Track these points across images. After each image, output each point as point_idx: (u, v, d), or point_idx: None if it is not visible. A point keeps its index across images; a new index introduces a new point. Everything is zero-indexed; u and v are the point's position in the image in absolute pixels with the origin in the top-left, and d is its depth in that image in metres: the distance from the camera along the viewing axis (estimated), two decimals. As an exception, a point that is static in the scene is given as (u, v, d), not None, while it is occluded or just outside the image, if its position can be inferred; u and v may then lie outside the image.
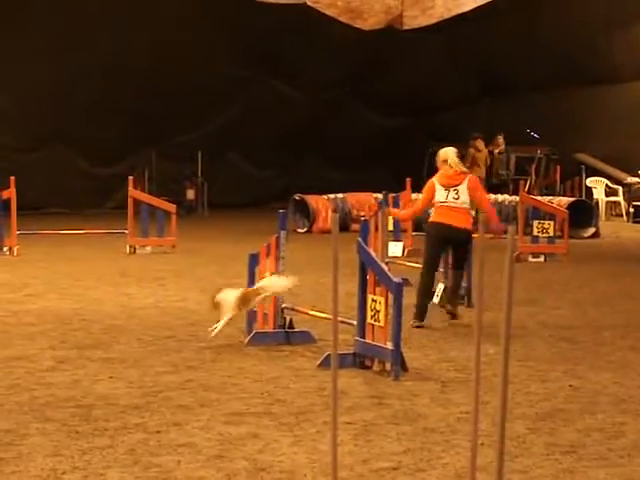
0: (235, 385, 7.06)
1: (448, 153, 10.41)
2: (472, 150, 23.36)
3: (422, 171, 27.12)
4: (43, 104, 23.39)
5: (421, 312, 9.76)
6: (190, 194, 24.94)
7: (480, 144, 23.15)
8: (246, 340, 8.53)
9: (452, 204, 10.10)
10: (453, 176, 10.20)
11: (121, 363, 7.76)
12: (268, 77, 26.44)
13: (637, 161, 24.60)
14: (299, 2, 22.75)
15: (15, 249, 15.36)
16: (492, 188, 23.39)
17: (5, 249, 15.36)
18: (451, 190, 10.15)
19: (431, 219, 10.30)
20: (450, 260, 10.59)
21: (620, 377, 7.46)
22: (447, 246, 10.39)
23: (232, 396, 6.75)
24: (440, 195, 10.15)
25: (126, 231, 16.00)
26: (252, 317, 8.77)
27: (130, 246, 15.79)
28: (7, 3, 22.22)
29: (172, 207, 16.41)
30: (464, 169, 10.49)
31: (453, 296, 10.29)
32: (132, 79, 23.76)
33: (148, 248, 15.89)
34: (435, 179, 10.32)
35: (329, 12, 23.13)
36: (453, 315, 10.09)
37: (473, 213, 10.78)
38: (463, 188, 10.14)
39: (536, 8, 26.60)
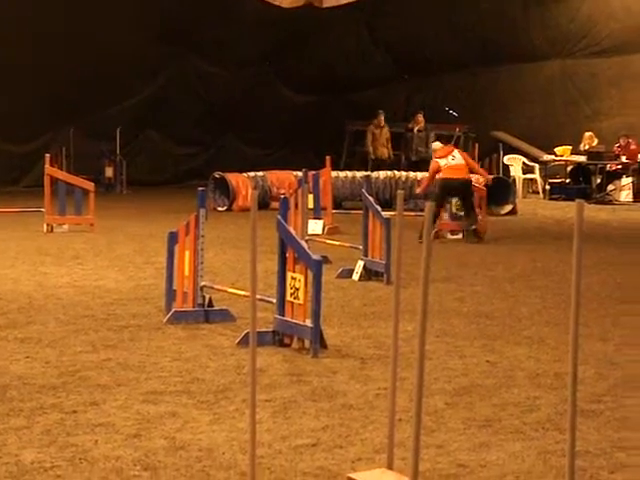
0: (154, 364, 7.02)
1: (436, 143, 15.99)
2: (371, 127, 23.68)
3: (341, 148, 27.26)
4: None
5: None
6: (109, 172, 24.62)
7: (381, 120, 23.50)
8: (165, 319, 8.48)
9: (452, 163, 14.76)
10: (445, 148, 15.32)
11: (38, 343, 7.65)
12: (187, 54, 26.23)
13: (553, 139, 24.95)
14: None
15: None
16: (412, 165, 23.61)
17: None
18: (448, 157, 14.87)
19: (440, 177, 14.73)
20: (455, 209, 15.04)
21: (535, 352, 7.58)
22: (451, 194, 14.99)
23: (150, 375, 6.71)
24: (442, 162, 14.80)
25: (43, 209, 15.76)
26: (171, 296, 8.71)
27: (47, 225, 15.56)
28: None
29: (90, 185, 16.20)
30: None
31: (471, 232, 14.80)
32: (49, 55, 23.35)
33: (65, 226, 15.67)
34: (436, 158, 15.01)
35: (248, -11, 22.98)
36: (479, 238, 14.74)
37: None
38: (456, 153, 15.12)
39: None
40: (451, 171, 14.69)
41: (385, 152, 23.87)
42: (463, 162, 14.91)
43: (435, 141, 16.55)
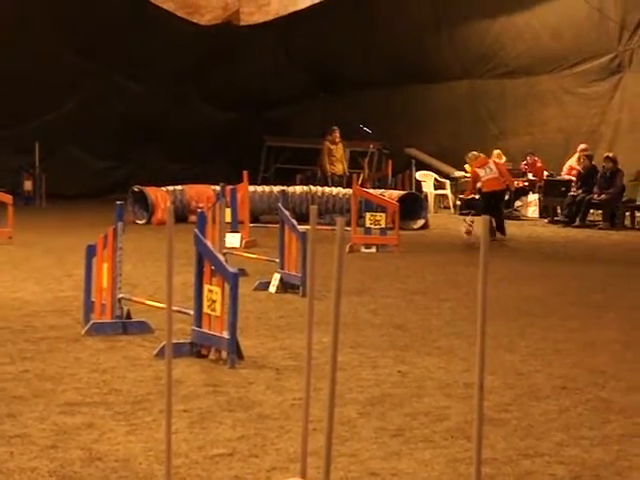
0: (71, 375, 6.91)
1: (472, 153, 18.40)
2: (327, 143, 23.38)
3: (259, 164, 27.26)
4: None
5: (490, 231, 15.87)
6: (27, 185, 24.24)
7: (336, 136, 23.19)
8: (83, 331, 8.36)
9: (490, 175, 17.43)
10: (481, 159, 17.91)
11: (-46, 355, 7.48)
12: (107, 69, 26.00)
13: (463, 156, 25.24)
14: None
15: None
16: (327, 180, 23.65)
17: None
18: (486, 168, 17.54)
19: (484, 189, 17.51)
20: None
21: (445, 362, 7.64)
22: (492, 203, 17.32)
23: (68, 386, 6.61)
24: (482, 173, 17.49)
25: (-39, 222, 15.46)
26: (89, 308, 8.60)
27: (-35, 237, 15.25)
28: None
29: (8, 198, 15.94)
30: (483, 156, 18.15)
31: (493, 229, 16.83)
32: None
33: (-16, 239, 15.38)
34: (475, 168, 17.76)
35: (166, 6, 22.90)
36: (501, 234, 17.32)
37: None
38: (492, 164, 17.86)
39: (370, 7, 27.02)
40: (492, 183, 17.38)
41: (341, 168, 23.52)
42: (498, 173, 17.49)
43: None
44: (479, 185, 17.75)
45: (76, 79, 25.32)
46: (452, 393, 6.69)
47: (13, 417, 5.84)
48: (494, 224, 17.14)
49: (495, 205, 17.44)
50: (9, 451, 5.21)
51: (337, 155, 23.42)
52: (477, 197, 18.93)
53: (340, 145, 23.48)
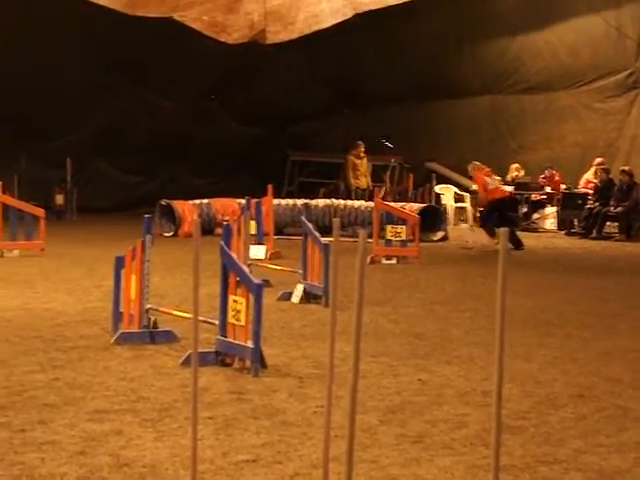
0: (100, 383, 6.94)
1: (476, 163, 18.86)
2: (352, 157, 23.34)
3: (283, 178, 27.32)
4: None
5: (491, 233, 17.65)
6: (59, 199, 24.39)
7: (361, 151, 23.18)
8: (112, 340, 8.40)
9: (495, 184, 18.60)
10: (485, 170, 18.55)
11: (-13, 363, 7.53)
12: (136, 86, 26.14)
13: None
14: (166, 15, 22.55)
15: None
16: (350, 194, 23.67)
17: None
18: (492, 177, 18.62)
19: (492, 197, 18.19)
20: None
21: (465, 371, 7.62)
22: (499, 210, 18.09)
23: (97, 394, 6.63)
24: (489, 182, 18.34)
25: (-5, 235, 15.55)
26: (118, 318, 8.63)
27: (-2, 249, 15.35)
28: None
29: (41, 211, 16.05)
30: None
31: (513, 237, 17.53)
32: (2, 83, 23.14)
33: (16, 252, 15.48)
34: (484, 176, 18.31)
35: (195, 26, 23.01)
36: (519, 246, 17.64)
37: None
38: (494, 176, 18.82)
39: (392, 25, 27.05)
40: (498, 192, 18.45)
41: (365, 181, 23.51)
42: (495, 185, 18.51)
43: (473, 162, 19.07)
44: (484, 194, 18.37)
45: (106, 96, 25.48)
46: (471, 401, 6.67)
47: (44, 424, 5.86)
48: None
49: (502, 214, 18.04)
50: (40, 457, 5.23)
51: (361, 169, 23.45)
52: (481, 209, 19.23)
53: (365, 159, 23.50)
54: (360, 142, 23.35)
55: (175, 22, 22.99)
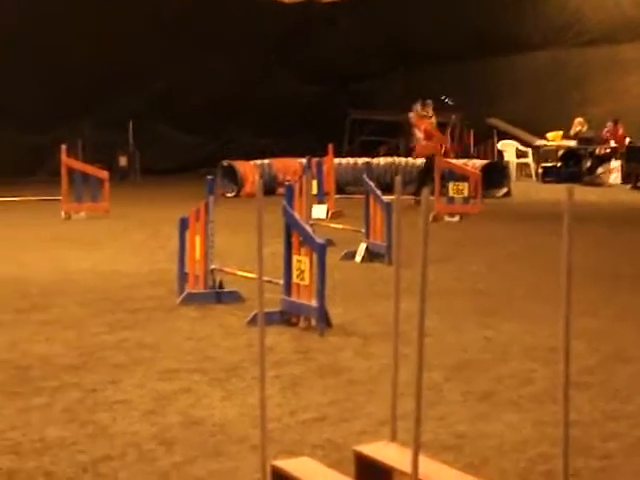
0: (168, 344, 7.03)
1: (418, 110, 17.88)
2: (418, 116, 22.69)
3: (343, 136, 27.24)
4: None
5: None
6: (122, 161, 24.63)
7: (427, 110, 22.52)
8: (178, 301, 8.49)
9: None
10: (430, 122, 17.86)
11: (58, 325, 7.67)
12: (196, 48, 26.18)
13: (545, 125, 24.89)
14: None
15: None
16: (410, 151, 23.48)
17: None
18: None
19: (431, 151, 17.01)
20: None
21: (531, 327, 7.58)
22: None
23: (165, 354, 6.72)
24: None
25: (60, 198, 15.76)
26: (183, 278, 8.72)
27: (65, 212, 15.57)
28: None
29: (105, 174, 16.21)
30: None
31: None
32: (64, 49, 23.33)
33: (82, 214, 15.69)
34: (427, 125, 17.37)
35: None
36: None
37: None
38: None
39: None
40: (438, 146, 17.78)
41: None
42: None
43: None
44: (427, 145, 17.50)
45: (166, 59, 25.55)
46: (537, 357, 6.64)
47: (114, 384, 5.96)
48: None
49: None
50: (112, 416, 5.33)
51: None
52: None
53: (433, 118, 23.07)
54: (429, 101, 22.66)
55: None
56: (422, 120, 17.55)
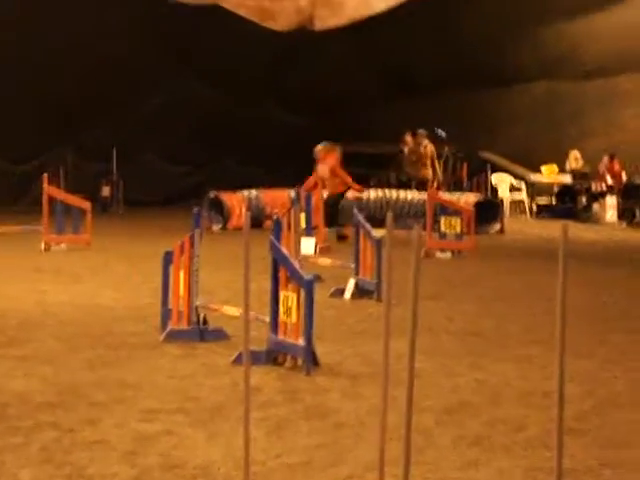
0: (150, 382, 7.00)
1: (327, 145, 17.85)
2: (412, 147, 22.45)
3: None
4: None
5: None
6: (105, 191, 24.65)
7: (422, 141, 22.30)
8: (161, 337, 8.47)
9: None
10: (338, 157, 17.65)
11: (35, 360, 7.64)
12: (183, 74, 26.29)
13: (539, 157, 25.04)
14: (211, 2, 22.63)
15: None
16: (401, 185, 23.56)
17: None
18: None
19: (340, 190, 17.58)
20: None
21: (523, 370, 7.58)
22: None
23: (146, 393, 6.70)
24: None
25: (41, 228, 15.74)
26: (167, 314, 8.70)
27: (45, 243, 15.55)
28: None
29: (87, 204, 16.21)
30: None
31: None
32: (47, 76, 23.40)
33: (63, 245, 15.67)
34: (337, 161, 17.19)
35: (240, 12, 23.07)
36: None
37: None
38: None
39: (445, 10, 26.92)
40: (342, 185, 18.17)
41: (427, 172, 22.72)
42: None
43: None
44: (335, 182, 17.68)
45: (152, 84, 25.65)
46: (531, 401, 6.64)
47: (93, 423, 5.93)
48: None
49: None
50: (90, 457, 5.30)
51: (424, 159, 23.00)
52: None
53: (428, 149, 23.05)
54: (421, 130, 22.50)
55: (220, 8, 23.08)
56: (331, 156, 17.56)
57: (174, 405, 6.39)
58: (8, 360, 7.64)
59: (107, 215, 22.55)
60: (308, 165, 25.27)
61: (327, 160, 17.70)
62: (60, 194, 16.44)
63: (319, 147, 17.87)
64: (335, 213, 17.41)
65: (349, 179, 17.80)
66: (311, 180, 17.54)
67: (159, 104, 26.16)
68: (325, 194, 17.64)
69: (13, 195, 23.99)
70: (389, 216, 4.83)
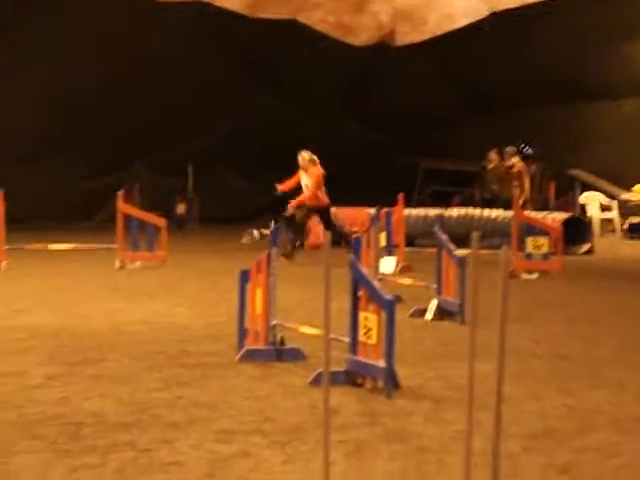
0: (226, 402, 7.04)
1: (309, 154, 17.81)
2: (498, 166, 22.14)
3: (412, 186, 27.25)
4: (33, 117, 23.38)
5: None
6: (181, 208, 24.94)
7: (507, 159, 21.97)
8: (237, 357, 8.51)
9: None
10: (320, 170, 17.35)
11: (110, 380, 7.73)
12: (259, 91, 26.50)
13: (630, 176, 24.69)
14: (289, 17, 22.78)
15: (3, 264, 15.33)
16: (486, 203, 23.40)
17: (-7, 264, 15.33)
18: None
19: (323, 203, 17.59)
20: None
21: (615, 396, 7.45)
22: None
23: (222, 414, 6.73)
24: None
25: (115, 246, 15.96)
26: (243, 334, 8.75)
27: (120, 261, 15.75)
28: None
29: (162, 221, 16.39)
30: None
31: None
32: (125, 93, 23.78)
33: (138, 263, 15.86)
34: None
35: (320, 28, 23.17)
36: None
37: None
38: None
39: (528, 25, 26.73)
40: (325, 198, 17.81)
41: (517, 191, 22.34)
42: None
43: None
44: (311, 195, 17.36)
45: (229, 103, 25.89)
46: (623, 428, 6.51)
47: (169, 443, 5.97)
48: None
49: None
50: (166, 478, 5.33)
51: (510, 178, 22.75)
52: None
53: (517, 167, 22.78)
54: (509, 148, 22.15)
55: (299, 24, 23.21)
56: (315, 166, 17.43)
57: (251, 426, 6.41)
58: (83, 380, 7.74)
59: (182, 232, 22.78)
60: (387, 183, 25.30)
61: (309, 172, 17.56)
62: (135, 211, 16.66)
63: (305, 155, 17.70)
64: (302, 230, 17.61)
65: (318, 196, 17.45)
66: (293, 181, 17.61)
67: (235, 120, 26.38)
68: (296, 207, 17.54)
69: (86, 212, 24.37)
70: (474, 235, 4.80)
